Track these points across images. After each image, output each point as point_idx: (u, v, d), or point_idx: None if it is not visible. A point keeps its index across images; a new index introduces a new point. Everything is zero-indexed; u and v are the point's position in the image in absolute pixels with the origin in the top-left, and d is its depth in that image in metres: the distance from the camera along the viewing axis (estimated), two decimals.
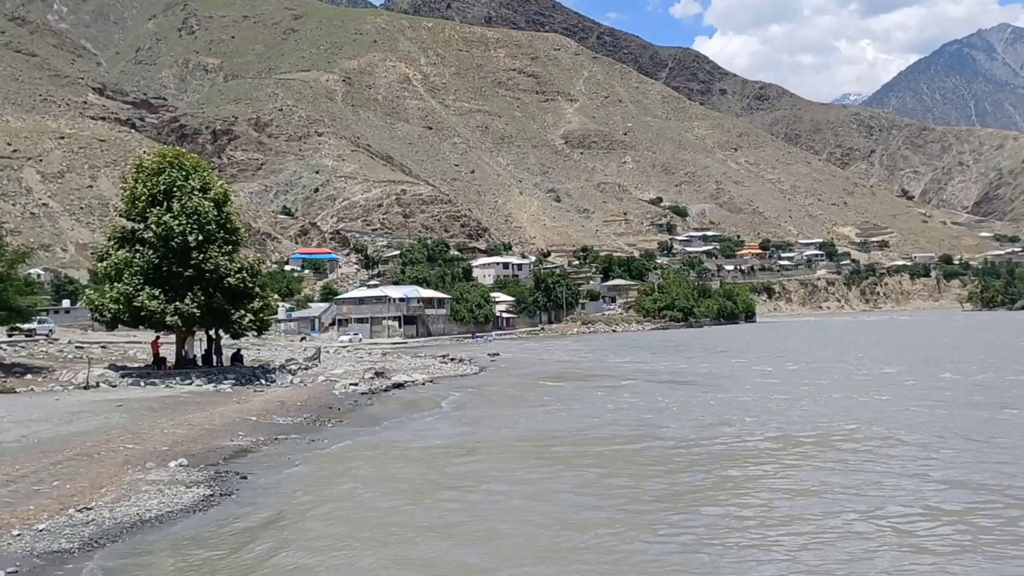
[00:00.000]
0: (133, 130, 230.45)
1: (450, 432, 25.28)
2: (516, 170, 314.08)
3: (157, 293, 33.89)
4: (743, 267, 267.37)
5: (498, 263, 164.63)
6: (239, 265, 36.18)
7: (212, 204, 35.60)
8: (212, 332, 40.06)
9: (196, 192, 35.39)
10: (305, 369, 43.60)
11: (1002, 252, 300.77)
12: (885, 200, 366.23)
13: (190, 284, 34.56)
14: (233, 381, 34.90)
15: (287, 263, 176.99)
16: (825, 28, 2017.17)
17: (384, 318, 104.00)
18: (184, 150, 41.19)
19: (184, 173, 35.91)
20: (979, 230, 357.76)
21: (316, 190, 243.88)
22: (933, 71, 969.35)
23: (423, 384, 40.31)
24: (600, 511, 15.30)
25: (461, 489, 17.36)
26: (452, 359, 57.75)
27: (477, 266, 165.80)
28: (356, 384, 36.60)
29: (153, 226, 34.17)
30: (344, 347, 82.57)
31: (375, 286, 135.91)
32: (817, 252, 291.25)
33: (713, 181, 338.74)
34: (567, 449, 22.01)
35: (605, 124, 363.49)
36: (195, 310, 34.27)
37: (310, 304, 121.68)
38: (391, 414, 29.26)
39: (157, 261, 34.24)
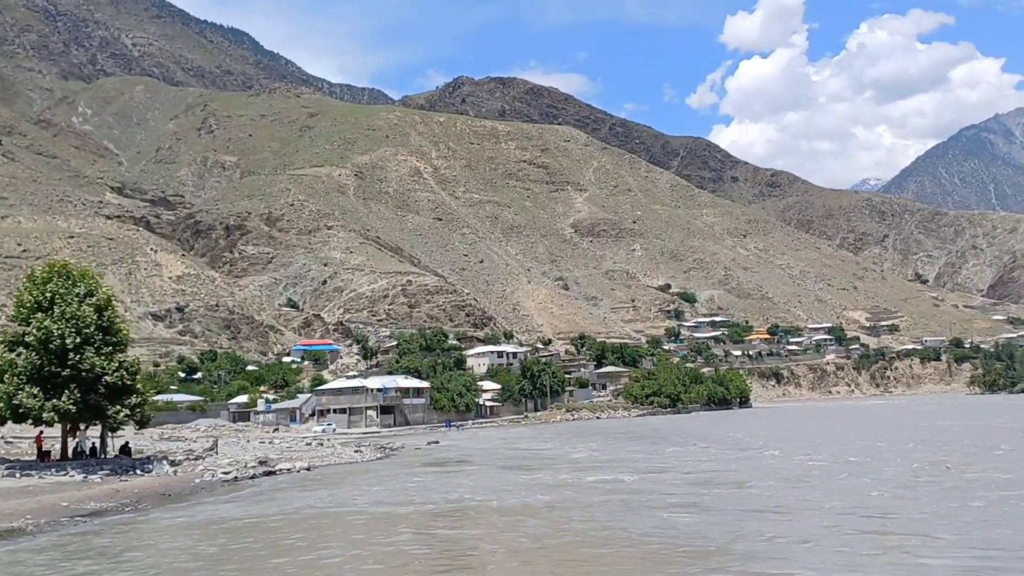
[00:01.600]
0: (143, 228, 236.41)
1: (222, 511, 29.80)
2: (525, 259, 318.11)
3: (36, 392, 36.59)
4: (751, 352, 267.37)
5: (492, 352, 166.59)
6: (117, 364, 38.71)
7: (93, 309, 38.40)
8: (98, 425, 42.67)
9: (77, 298, 38.27)
10: (197, 459, 45.63)
11: (1015, 335, 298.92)
12: (896, 284, 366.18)
13: (67, 383, 37.17)
14: (108, 471, 37.11)
15: (288, 355, 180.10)
16: (841, 115, 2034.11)
17: (362, 408, 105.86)
18: (71, 261, 44.34)
19: (70, 282, 38.92)
20: (993, 313, 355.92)
21: (324, 282, 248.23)
22: (951, 156, 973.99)
23: (298, 471, 42.33)
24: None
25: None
26: (383, 447, 59.56)
27: (472, 355, 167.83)
28: (228, 473, 38.62)
29: (34, 330, 36.96)
30: (314, 437, 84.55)
31: (373, 376, 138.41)
32: (826, 336, 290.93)
33: (722, 267, 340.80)
34: (281, 521, 25.61)
35: (614, 213, 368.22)
36: (71, 406, 36.94)
37: (299, 395, 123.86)
38: (207, 498, 32.18)
39: (38, 362, 36.93)
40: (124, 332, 41.77)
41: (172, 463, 42.93)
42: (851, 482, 32.14)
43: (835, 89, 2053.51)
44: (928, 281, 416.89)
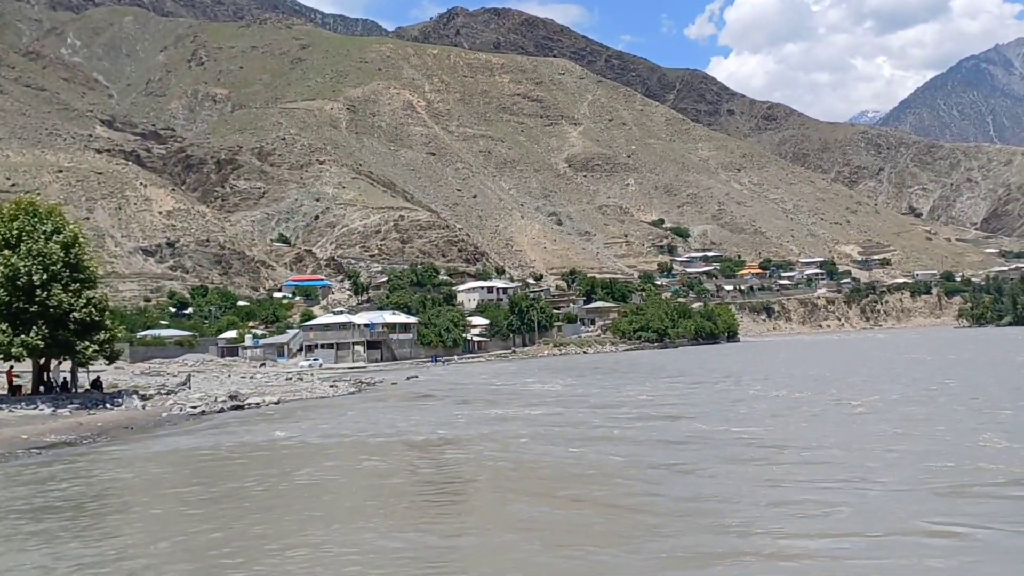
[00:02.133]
0: (133, 162, 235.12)
1: (178, 443, 31.05)
2: (518, 194, 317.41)
3: (5, 327, 37.37)
4: (743, 287, 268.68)
5: (482, 287, 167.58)
6: (85, 301, 39.48)
7: (60, 247, 39.02)
8: (68, 360, 43.68)
9: (44, 236, 38.83)
10: (168, 393, 46.69)
11: (1006, 268, 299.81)
12: (889, 218, 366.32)
13: (35, 319, 38.00)
14: (77, 405, 38.12)
15: (279, 290, 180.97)
16: (841, 46, 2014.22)
17: (349, 343, 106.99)
18: (38, 198, 44.90)
19: (37, 219, 39.44)
20: (985, 246, 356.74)
21: (316, 217, 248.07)
22: (950, 87, 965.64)
23: (267, 405, 43.51)
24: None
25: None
26: (360, 382, 60.77)
27: (462, 290, 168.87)
28: (196, 407, 39.70)
29: (1, 267, 37.59)
30: (298, 372, 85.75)
31: (364, 311, 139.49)
32: (818, 271, 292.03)
33: (715, 202, 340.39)
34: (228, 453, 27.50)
35: (609, 147, 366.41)
36: (39, 342, 37.83)
37: (288, 331, 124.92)
38: (168, 431, 33.44)
39: (6, 298, 37.64)
40: (92, 269, 42.61)
41: (143, 397, 43.92)
42: (781, 416, 33.12)
43: (834, 19, 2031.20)
44: (922, 214, 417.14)
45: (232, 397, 44.22)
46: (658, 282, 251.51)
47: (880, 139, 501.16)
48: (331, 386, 57.39)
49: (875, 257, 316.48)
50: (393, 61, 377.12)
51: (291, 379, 68.39)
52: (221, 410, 39.93)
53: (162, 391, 47.43)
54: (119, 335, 45.75)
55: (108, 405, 40.02)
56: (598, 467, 23.35)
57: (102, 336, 40.89)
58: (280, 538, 16.29)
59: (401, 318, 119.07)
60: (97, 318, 40.53)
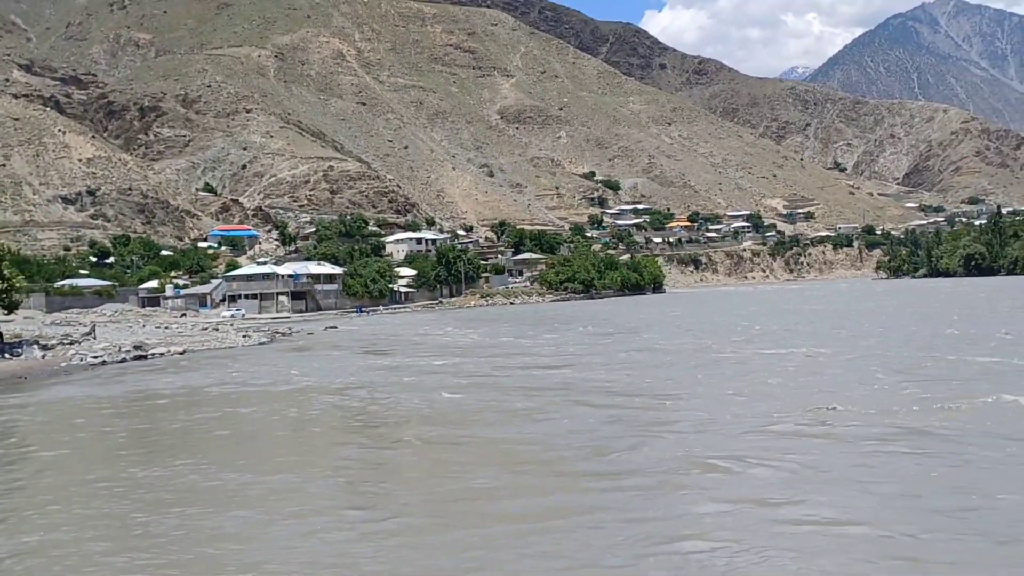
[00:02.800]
0: (53, 108, 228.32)
1: (65, 392, 31.78)
2: (450, 145, 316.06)
3: None
4: (671, 239, 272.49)
5: (411, 238, 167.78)
6: None
7: None
8: None
9: None
10: (72, 343, 46.58)
11: (925, 222, 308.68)
12: (814, 172, 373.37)
13: None
14: None
15: (204, 240, 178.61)
16: (771, 2, 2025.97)
17: (273, 294, 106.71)
18: None
19: None
20: (906, 201, 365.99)
21: (243, 167, 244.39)
22: (877, 44, 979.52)
23: (171, 355, 43.88)
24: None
25: None
26: (275, 333, 61.12)
27: (391, 241, 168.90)
28: (97, 357, 39.84)
29: None
30: (218, 322, 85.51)
31: (291, 261, 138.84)
32: (744, 224, 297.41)
33: (646, 155, 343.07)
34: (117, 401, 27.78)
35: (541, 99, 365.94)
36: None
37: (212, 281, 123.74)
38: (62, 380, 33.83)
39: None
40: None
41: (44, 347, 43.68)
42: (655, 366, 34.53)
43: None
44: (847, 169, 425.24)
45: (136, 347, 44.27)
46: (588, 234, 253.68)
47: (807, 95, 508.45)
48: (243, 336, 57.53)
49: (799, 211, 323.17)
50: (323, 8, 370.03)
51: (207, 329, 68.21)
52: (123, 360, 40.02)
53: (65, 341, 47.10)
54: (19, 285, 45.20)
55: (6, 355, 39.83)
56: (443, 413, 24.59)
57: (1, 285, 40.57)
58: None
59: (326, 268, 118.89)
60: None
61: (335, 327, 70.73)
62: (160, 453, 20.04)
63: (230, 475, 16.94)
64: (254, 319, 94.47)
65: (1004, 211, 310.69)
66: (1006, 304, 69.68)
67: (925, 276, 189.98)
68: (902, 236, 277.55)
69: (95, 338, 51.42)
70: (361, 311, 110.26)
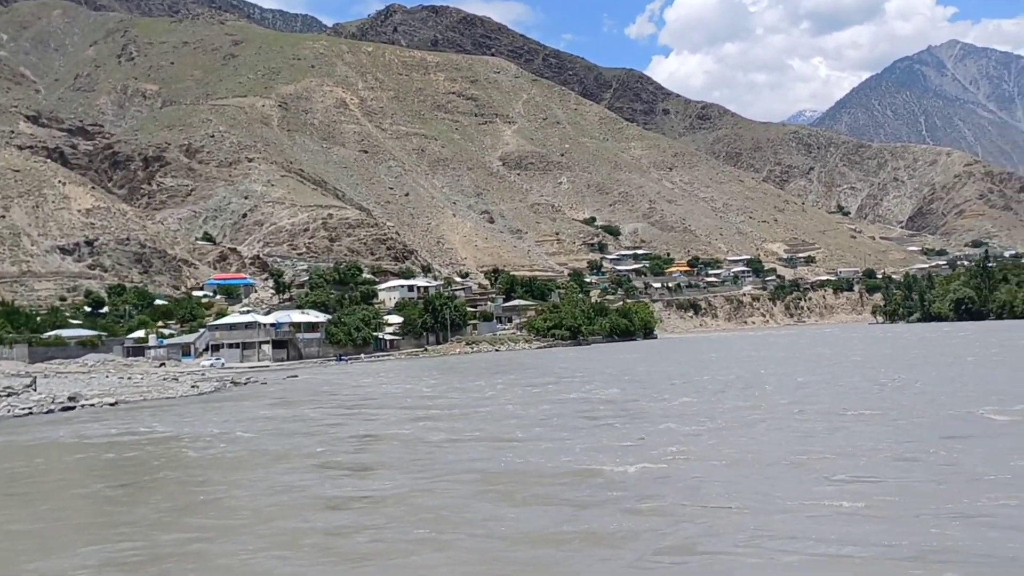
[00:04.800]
0: (58, 159, 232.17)
1: None
2: (451, 192, 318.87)
3: None
4: (670, 284, 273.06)
5: (403, 285, 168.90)
6: None
7: None
8: None
9: None
10: (9, 395, 47.61)
11: (926, 265, 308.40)
12: (815, 216, 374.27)
13: None
14: None
15: (200, 289, 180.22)
16: (778, 47, 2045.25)
17: (255, 343, 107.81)
18: None
19: None
20: (909, 244, 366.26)
21: (244, 215, 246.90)
22: (884, 87, 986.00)
23: (101, 406, 44.87)
24: None
25: None
26: (230, 382, 62.05)
27: (383, 289, 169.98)
28: (25, 408, 40.88)
29: None
30: (187, 372, 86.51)
31: (284, 310, 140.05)
32: (744, 268, 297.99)
33: (647, 200, 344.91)
34: None
35: (542, 146, 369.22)
36: None
37: (201, 330, 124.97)
38: None
39: None
40: None
41: None
42: (518, 418, 35.65)
43: (772, 20, 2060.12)
44: (850, 213, 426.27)
45: (71, 399, 45.28)
46: (587, 280, 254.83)
47: (811, 139, 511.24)
48: (192, 386, 58.52)
49: (800, 255, 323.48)
50: (327, 58, 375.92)
51: (165, 379, 69.28)
52: (50, 411, 41.11)
53: (3, 393, 48.14)
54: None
55: None
56: (220, 458, 28.13)
57: None
58: None
59: (310, 317, 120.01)
60: None
61: (296, 376, 71.75)
62: None
63: None
64: (232, 367, 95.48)
65: (1008, 254, 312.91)
66: (964, 351, 70.14)
67: (919, 320, 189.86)
68: (901, 280, 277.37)
69: (35, 390, 52.47)
70: (341, 359, 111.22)
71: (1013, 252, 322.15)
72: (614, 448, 26.06)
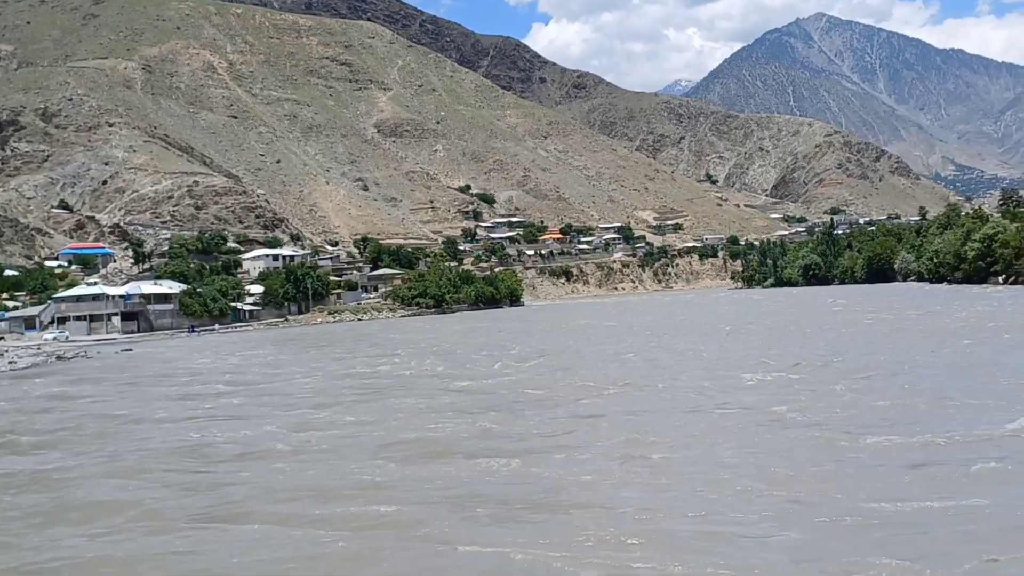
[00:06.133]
0: None
1: None
2: (324, 159, 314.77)
3: None
4: (544, 252, 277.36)
5: (268, 255, 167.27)
6: None
7: None
8: None
9: None
10: None
11: (787, 232, 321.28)
12: (684, 185, 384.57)
13: None
14: None
15: (55, 259, 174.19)
16: (654, 17, 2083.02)
17: (104, 315, 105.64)
18: None
19: None
20: (772, 212, 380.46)
21: (104, 182, 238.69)
22: (755, 59, 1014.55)
23: None
24: None
25: None
26: (59, 357, 61.35)
27: (247, 258, 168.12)
28: None
29: None
30: (41, 344, 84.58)
31: (145, 279, 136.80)
32: (615, 236, 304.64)
33: (522, 168, 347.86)
34: None
35: (418, 113, 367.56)
36: None
37: (50, 302, 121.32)
38: None
39: None
40: None
41: None
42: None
43: None
44: (718, 181, 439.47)
45: None
46: (462, 247, 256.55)
47: (682, 109, 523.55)
48: (10, 362, 57.63)
49: (669, 222, 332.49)
50: (193, 20, 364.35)
51: None
52: None
53: None
54: None
55: None
56: None
57: None
58: None
59: (162, 288, 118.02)
60: None
61: (130, 350, 71.22)
62: None
63: None
64: (77, 341, 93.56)
65: (862, 220, 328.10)
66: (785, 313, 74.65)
67: (772, 285, 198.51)
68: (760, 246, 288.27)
69: None
70: (193, 331, 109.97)
71: (868, 219, 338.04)
72: (288, 425, 27.30)
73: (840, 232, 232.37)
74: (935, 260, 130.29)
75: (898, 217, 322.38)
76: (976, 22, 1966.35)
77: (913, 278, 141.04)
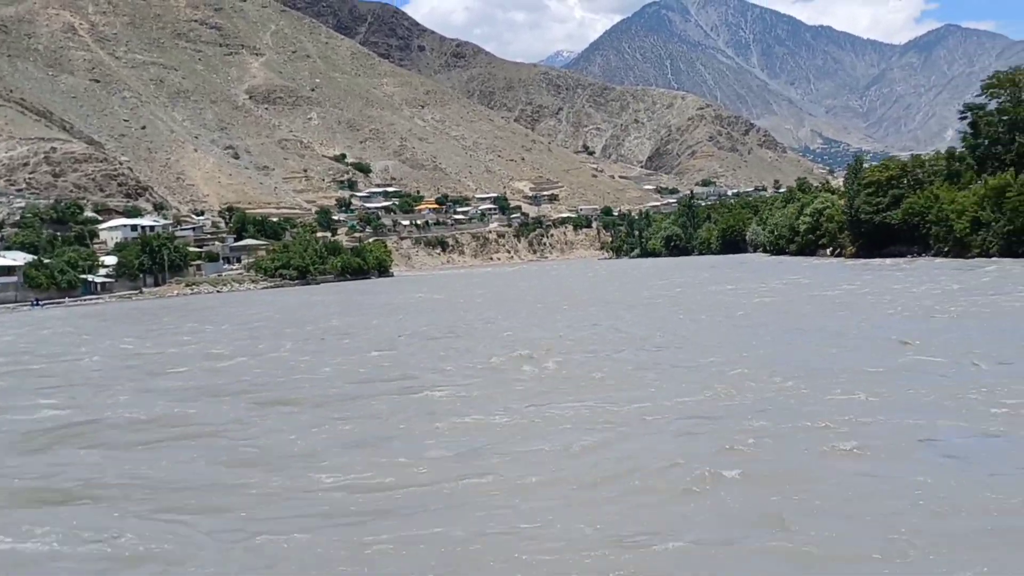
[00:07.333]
0: None
1: None
2: (192, 126, 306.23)
3: None
4: (419, 222, 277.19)
5: (126, 225, 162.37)
6: None
7: None
8: None
9: None
10: None
11: (659, 203, 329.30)
12: (560, 156, 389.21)
13: None
14: None
15: None
16: None
17: None
18: None
19: None
20: (646, 183, 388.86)
21: None
22: (634, 31, 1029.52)
23: None
24: None
25: None
26: None
27: (104, 228, 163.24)
28: None
29: None
30: None
31: None
32: (491, 206, 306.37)
33: (398, 138, 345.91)
34: None
35: (292, 80, 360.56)
36: None
37: None
38: None
39: None
40: None
41: None
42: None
43: None
44: (595, 153, 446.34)
45: None
46: (336, 217, 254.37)
47: (560, 80, 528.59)
48: None
49: (544, 193, 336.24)
50: None
51: None
52: None
53: None
54: None
55: None
56: None
57: None
58: None
59: (5, 260, 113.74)
60: None
61: None
62: None
63: None
64: None
65: (731, 192, 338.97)
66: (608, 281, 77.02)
67: (639, 256, 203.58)
68: (634, 217, 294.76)
69: None
70: (36, 304, 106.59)
71: (736, 191, 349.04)
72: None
73: (705, 204, 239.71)
74: (775, 233, 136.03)
75: (764, 189, 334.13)
76: (844, 0, 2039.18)
77: (761, 250, 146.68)
